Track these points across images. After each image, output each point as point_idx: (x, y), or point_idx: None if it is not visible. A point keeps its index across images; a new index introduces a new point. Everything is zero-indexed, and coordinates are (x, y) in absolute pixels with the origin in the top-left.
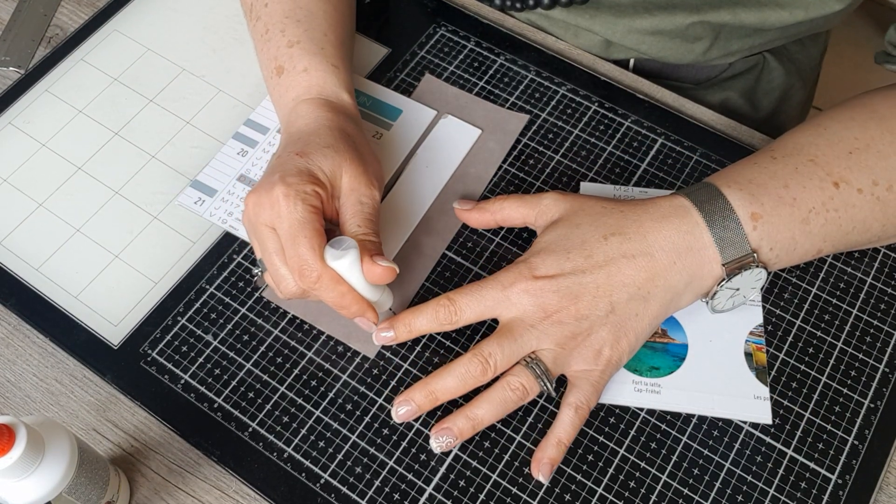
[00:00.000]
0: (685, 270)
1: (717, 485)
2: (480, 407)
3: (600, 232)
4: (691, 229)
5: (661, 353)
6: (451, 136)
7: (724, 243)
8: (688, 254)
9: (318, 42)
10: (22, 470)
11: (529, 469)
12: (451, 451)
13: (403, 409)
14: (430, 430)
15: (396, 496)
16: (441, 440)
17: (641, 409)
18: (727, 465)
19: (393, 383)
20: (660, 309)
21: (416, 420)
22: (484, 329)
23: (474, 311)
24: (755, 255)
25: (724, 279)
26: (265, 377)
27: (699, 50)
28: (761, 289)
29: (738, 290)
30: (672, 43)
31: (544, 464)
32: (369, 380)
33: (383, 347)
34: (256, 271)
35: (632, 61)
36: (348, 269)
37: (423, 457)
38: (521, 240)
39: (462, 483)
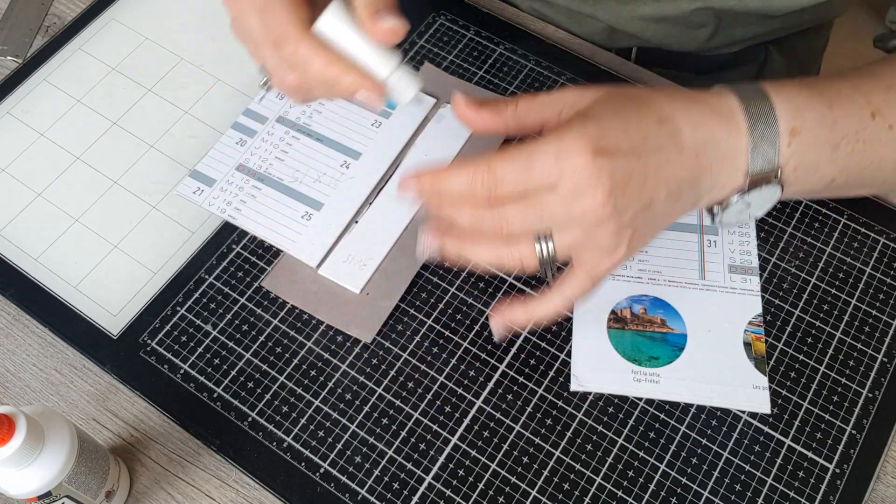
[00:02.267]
0: (717, 175)
1: (716, 474)
2: (476, 245)
3: (654, 114)
4: (734, 132)
5: (660, 342)
6: (450, 125)
7: (756, 154)
8: (724, 159)
9: None
10: (22, 460)
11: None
12: (449, 441)
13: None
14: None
15: (396, 485)
16: (428, 243)
17: (640, 399)
18: (725, 454)
19: (392, 373)
20: (681, 212)
21: (414, 410)
22: (483, 325)
23: (516, 186)
24: (779, 171)
25: (743, 191)
26: (264, 367)
27: (702, 37)
28: (766, 211)
29: (749, 205)
30: (675, 29)
31: (500, 322)
32: (368, 369)
33: (382, 337)
34: (262, 81)
35: (634, 49)
36: (333, 28)
37: (422, 446)
38: None
39: (461, 472)
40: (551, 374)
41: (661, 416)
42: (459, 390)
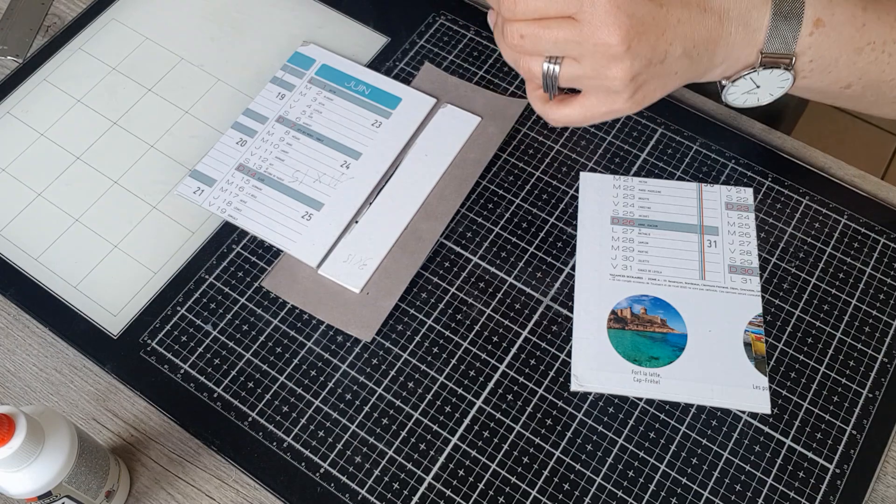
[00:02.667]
0: (734, 46)
1: (716, 474)
2: (499, 43)
3: None
4: (759, 5)
5: (660, 343)
6: (450, 125)
7: (775, 34)
8: (744, 29)
9: None
10: (22, 460)
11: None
12: (449, 441)
13: None
14: None
15: (396, 485)
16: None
17: (640, 399)
18: (726, 454)
19: (392, 373)
20: (694, 76)
21: (414, 410)
22: (483, 325)
23: (536, 10)
24: (793, 59)
25: (754, 69)
26: (265, 367)
27: None
28: (776, 97)
29: (758, 87)
30: None
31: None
32: (368, 369)
33: (382, 337)
34: None
35: None
36: None
37: (422, 446)
38: (520, 230)
39: (461, 472)
40: (551, 374)
41: (661, 416)
42: (459, 390)
